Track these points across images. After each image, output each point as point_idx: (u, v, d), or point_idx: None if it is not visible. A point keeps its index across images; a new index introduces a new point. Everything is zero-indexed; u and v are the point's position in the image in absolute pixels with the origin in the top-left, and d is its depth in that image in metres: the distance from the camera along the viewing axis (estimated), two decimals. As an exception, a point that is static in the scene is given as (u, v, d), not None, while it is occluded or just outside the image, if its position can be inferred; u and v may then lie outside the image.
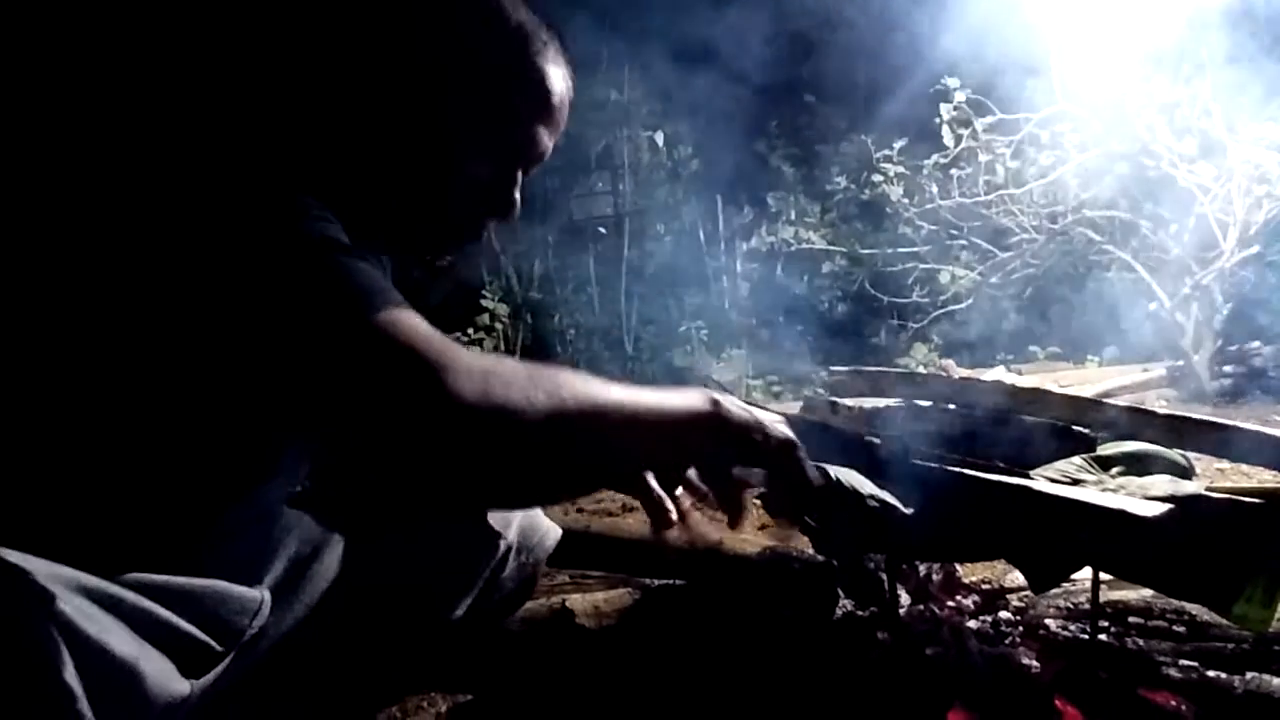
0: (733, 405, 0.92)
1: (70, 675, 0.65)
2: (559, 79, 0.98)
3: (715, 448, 0.91)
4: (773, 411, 0.98)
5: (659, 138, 6.96)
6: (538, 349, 6.28)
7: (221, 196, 0.78)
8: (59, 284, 0.80)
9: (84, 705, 0.65)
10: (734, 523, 0.98)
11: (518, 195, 1.01)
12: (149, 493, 0.85)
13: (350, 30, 0.94)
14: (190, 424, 0.83)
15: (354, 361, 0.74)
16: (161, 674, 0.74)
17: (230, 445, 0.87)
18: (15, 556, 0.65)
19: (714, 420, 0.90)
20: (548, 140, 1.00)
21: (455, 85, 0.94)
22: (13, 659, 0.63)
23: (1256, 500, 1.15)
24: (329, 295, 0.76)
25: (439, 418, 0.73)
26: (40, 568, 0.65)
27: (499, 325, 6.11)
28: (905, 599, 1.58)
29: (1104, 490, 1.27)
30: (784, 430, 0.95)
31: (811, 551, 1.67)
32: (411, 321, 0.76)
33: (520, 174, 1.00)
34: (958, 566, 1.65)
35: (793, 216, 6.96)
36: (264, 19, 1.02)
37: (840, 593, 1.61)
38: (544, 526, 1.27)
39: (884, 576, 1.55)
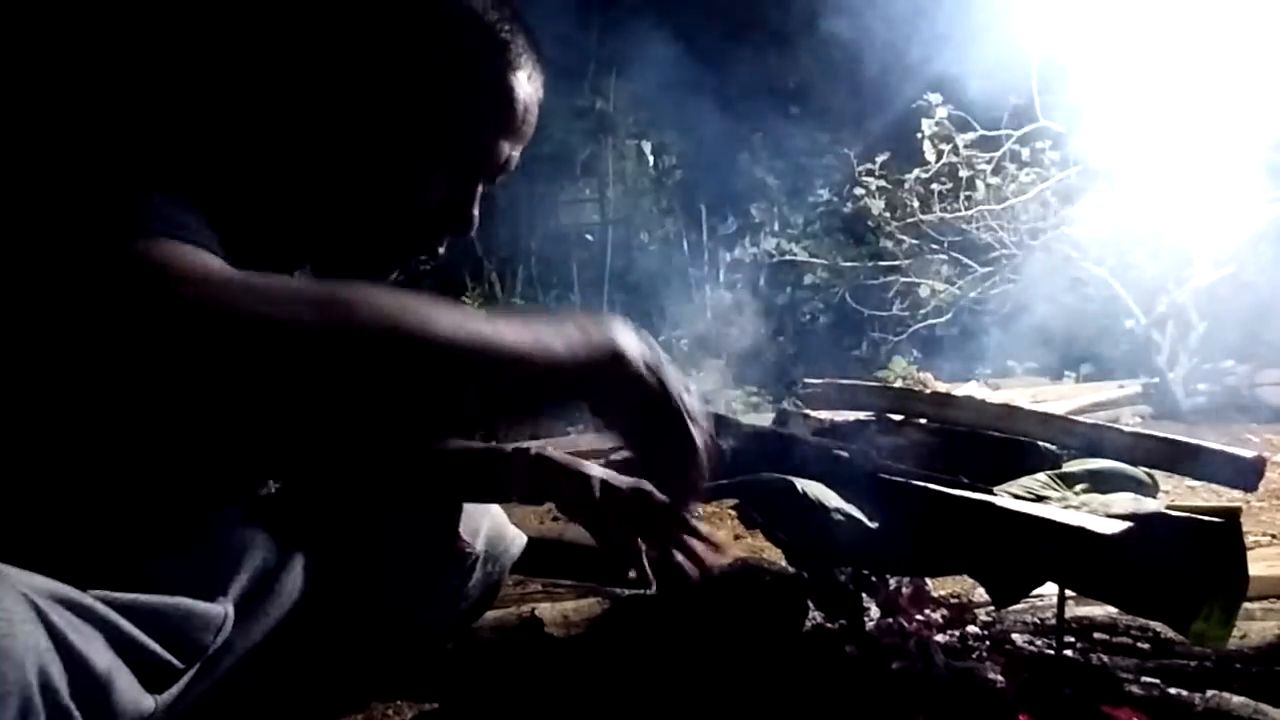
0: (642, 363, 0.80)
1: (62, 687, 0.65)
2: (525, 86, 0.93)
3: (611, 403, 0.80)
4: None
5: (646, 147, 6.98)
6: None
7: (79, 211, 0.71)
8: None
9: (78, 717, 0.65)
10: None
11: (475, 212, 0.96)
12: (105, 503, 0.83)
13: (311, 31, 0.90)
14: (136, 431, 0.82)
15: (100, 278, 0.65)
16: (130, 688, 0.73)
17: (181, 452, 0.86)
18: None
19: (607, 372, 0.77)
20: (510, 151, 0.95)
21: (417, 93, 0.90)
22: (4, 667, 0.62)
23: (1215, 519, 1.16)
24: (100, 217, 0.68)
25: (167, 324, 0.62)
26: (22, 576, 0.65)
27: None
28: (875, 612, 1.58)
29: (1066, 507, 1.28)
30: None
31: (783, 563, 1.68)
32: (178, 248, 0.67)
33: (479, 187, 0.97)
34: (927, 581, 1.66)
35: (776, 228, 7.00)
36: (217, 16, 0.98)
37: (810, 605, 1.61)
38: (510, 534, 1.27)
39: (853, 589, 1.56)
